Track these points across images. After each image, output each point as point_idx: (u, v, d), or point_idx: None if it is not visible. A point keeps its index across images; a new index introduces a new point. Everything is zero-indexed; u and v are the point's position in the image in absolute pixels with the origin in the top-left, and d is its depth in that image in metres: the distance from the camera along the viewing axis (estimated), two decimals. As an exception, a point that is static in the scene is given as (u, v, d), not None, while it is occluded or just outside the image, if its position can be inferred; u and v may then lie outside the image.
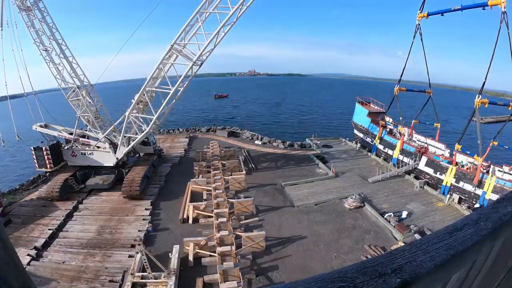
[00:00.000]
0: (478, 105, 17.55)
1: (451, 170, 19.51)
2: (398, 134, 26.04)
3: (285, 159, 26.72)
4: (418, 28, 23.00)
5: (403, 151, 24.34)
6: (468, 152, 20.98)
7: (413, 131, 26.02)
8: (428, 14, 22.18)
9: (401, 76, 25.09)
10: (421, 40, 23.21)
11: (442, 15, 21.35)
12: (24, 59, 18.39)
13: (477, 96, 17.56)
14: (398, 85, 25.11)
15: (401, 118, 25.29)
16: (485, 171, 18.75)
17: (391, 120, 29.19)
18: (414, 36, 23.27)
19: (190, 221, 16.19)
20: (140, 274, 11.20)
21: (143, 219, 16.43)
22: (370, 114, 29.72)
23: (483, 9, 17.66)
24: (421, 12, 22.50)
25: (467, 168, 19.22)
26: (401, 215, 16.87)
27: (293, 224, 16.04)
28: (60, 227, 15.92)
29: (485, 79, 17.20)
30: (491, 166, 18.39)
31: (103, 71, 21.27)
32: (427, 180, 21.57)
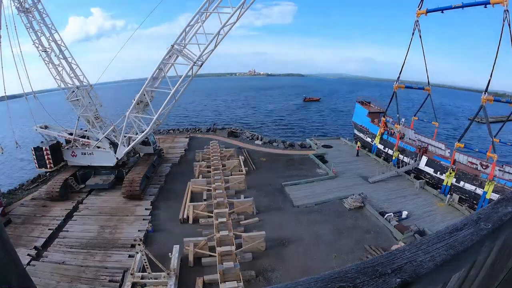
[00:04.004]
0: (485, 102, 17.54)
1: (451, 169, 19.52)
2: (395, 132, 26.09)
3: (285, 159, 26.72)
4: (416, 25, 22.87)
5: (403, 151, 24.36)
6: (476, 150, 20.98)
7: (413, 129, 26.18)
8: (428, 11, 21.94)
9: (400, 73, 25.07)
10: (420, 37, 23.03)
11: (442, 12, 21.04)
12: (23, 60, 18.37)
13: (483, 93, 17.53)
14: (397, 82, 25.12)
15: (398, 115, 25.30)
16: (484, 169, 18.81)
17: (391, 120, 29.22)
18: (413, 33, 23.03)
19: (190, 221, 16.20)
20: (140, 274, 11.20)
21: (143, 219, 16.44)
22: (370, 114, 29.75)
23: (485, 7, 17.55)
24: (419, 9, 22.34)
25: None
26: (401, 215, 16.86)
27: (293, 224, 16.03)
28: (60, 227, 15.92)
29: (490, 76, 17.10)
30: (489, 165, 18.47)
31: (103, 70, 21.31)
32: (427, 179, 21.57)
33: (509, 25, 16.01)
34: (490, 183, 17.04)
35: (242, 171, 22.76)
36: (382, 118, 26.95)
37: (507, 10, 16.02)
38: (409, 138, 26.53)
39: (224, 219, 14.58)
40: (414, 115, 26.56)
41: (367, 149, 29.41)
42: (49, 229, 15.56)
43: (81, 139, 21.10)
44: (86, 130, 21.84)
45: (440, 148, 24.04)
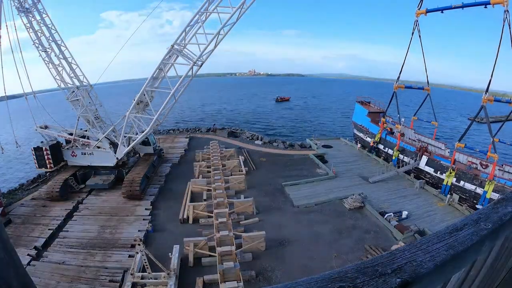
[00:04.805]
0: (485, 102, 17.56)
1: (451, 169, 19.53)
2: (395, 132, 26.14)
3: (285, 159, 26.71)
4: (416, 25, 22.92)
5: (403, 150, 24.39)
6: (477, 150, 21.03)
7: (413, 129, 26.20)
8: (427, 11, 21.97)
9: (399, 73, 25.10)
10: (419, 37, 23.12)
11: (442, 12, 21.05)
12: (23, 60, 18.36)
13: (484, 93, 17.56)
14: (397, 82, 25.11)
15: (398, 115, 25.36)
16: (484, 169, 18.83)
17: (391, 120, 29.24)
18: (413, 33, 23.15)
19: (190, 221, 16.20)
20: (140, 274, 11.20)
21: (143, 219, 16.43)
22: (370, 113, 29.76)
23: (485, 7, 17.58)
24: (419, 9, 22.37)
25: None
26: (401, 215, 16.86)
27: (293, 224, 16.03)
28: (60, 227, 15.91)
29: (491, 76, 17.13)
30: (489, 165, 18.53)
31: (103, 70, 21.32)
32: (428, 179, 21.57)
33: (509, 25, 16.02)
34: (490, 182, 17.05)
35: (242, 171, 22.75)
36: (382, 119, 27.00)
37: (507, 11, 16.03)
38: (409, 138, 26.56)
39: (224, 219, 14.57)
40: (414, 115, 26.60)
41: (367, 149, 29.41)
42: (49, 229, 15.55)
43: (81, 139, 21.10)
44: (86, 130, 21.84)
45: (440, 148, 24.06)
